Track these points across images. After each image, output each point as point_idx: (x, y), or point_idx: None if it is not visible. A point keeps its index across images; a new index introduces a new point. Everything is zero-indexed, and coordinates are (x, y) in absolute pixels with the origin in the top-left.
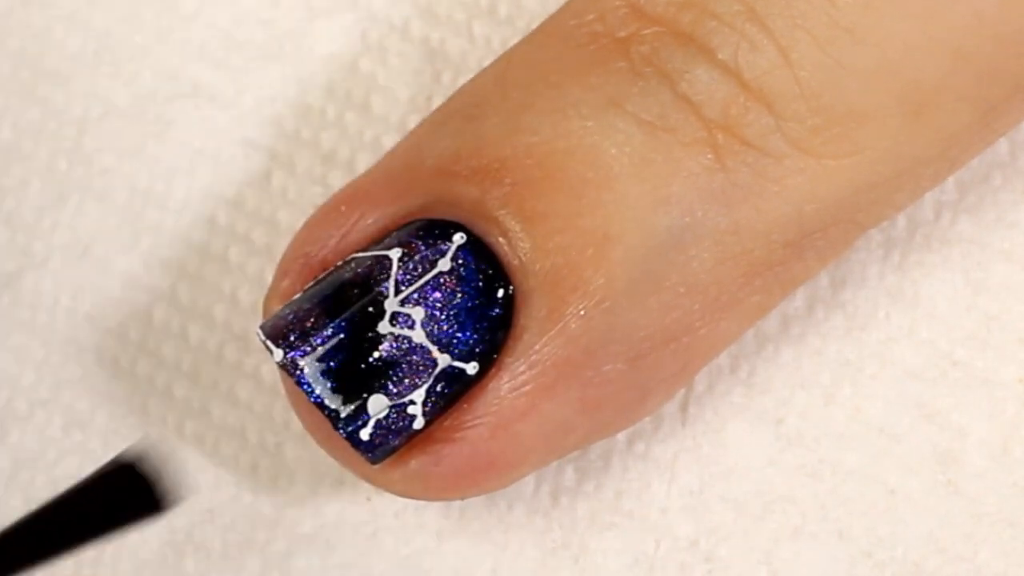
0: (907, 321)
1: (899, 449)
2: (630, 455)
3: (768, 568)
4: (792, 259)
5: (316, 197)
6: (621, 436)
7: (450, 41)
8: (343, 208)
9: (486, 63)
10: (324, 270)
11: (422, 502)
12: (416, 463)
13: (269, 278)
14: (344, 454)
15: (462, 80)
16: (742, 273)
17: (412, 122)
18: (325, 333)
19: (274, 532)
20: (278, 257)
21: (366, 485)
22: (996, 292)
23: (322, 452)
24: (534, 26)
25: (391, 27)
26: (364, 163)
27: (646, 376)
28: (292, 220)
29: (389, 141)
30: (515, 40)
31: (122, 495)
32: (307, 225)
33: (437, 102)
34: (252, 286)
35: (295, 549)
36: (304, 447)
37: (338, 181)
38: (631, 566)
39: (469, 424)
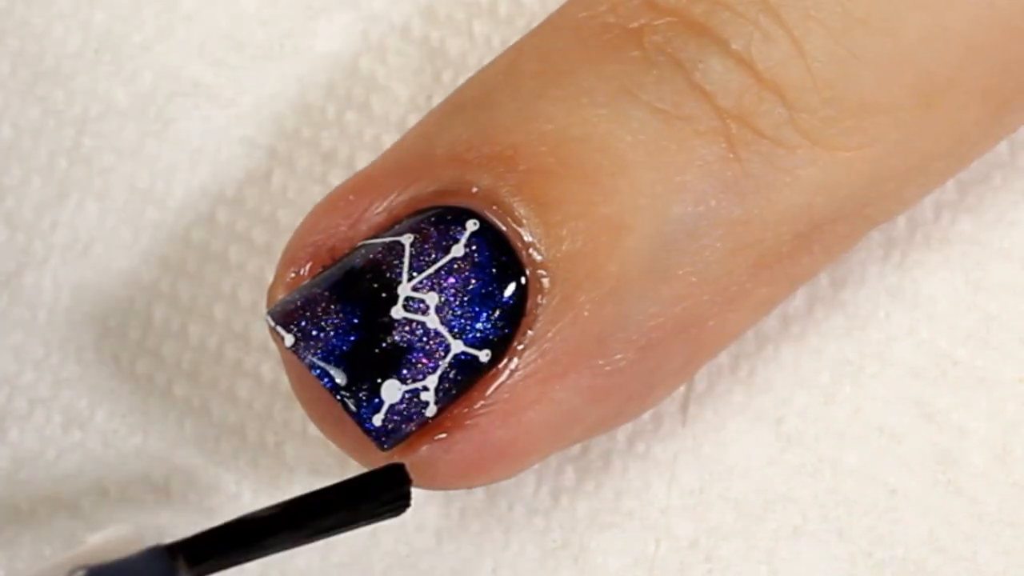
0: (907, 320)
1: (899, 449)
2: (630, 455)
3: (768, 567)
4: (800, 252)
5: (316, 196)
6: (621, 436)
7: (450, 40)
8: (351, 197)
9: (486, 62)
10: (333, 259)
11: (422, 501)
12: (426, 451)
13: (269, 277)
14: (352, 441)
15: (463, 79)
16: (752, 264)
17: (412, 121)
18: (337, 318)
19: None
20: (278, 256)
21: None
22: (996, 292)
23: (322, 452)
24: (534, 25)
25: (391, 26)
26: (364, 162)
27: (654, 367)
28: (292, 219)
29: (389, 140)
30: (515, 39)
31: (379, 492)
32: (313, 214)
33: (437, 101)
34: (252, 285)
35: (295, 549)
36: (304, 446)
37: (338, 180)
38: (631, 566)
39: (480, 412)
